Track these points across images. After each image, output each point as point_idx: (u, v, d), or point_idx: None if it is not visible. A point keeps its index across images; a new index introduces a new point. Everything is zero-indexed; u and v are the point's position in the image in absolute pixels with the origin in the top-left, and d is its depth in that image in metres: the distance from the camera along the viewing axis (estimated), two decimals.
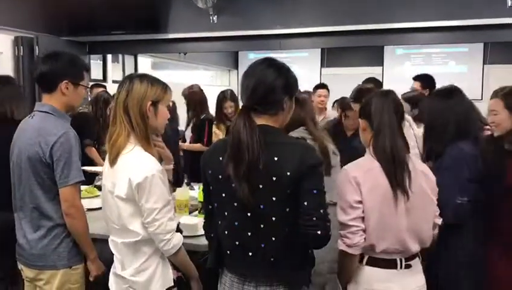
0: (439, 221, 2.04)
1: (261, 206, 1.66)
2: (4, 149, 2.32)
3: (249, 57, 8.98)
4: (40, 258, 2.17)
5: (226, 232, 1.76)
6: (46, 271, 2.17)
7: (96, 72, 6.30)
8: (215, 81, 9.56)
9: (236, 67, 9.71)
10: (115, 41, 5.59)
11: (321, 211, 1.62)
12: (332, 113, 5.15)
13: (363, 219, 1.86)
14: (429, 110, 2.58)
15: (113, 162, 1.90)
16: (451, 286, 2.30)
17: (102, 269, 2.22)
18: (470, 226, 2.33)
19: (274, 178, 1.63)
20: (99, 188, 3.12)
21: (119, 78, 6.25)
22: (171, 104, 5.16)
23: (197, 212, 3.06)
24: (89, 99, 4.79)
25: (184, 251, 1.96)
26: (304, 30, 4.95)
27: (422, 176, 1.93)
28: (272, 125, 1.71)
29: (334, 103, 5.25)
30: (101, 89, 5.07)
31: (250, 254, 1.71)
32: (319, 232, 1.60)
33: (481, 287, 2.35)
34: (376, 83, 4.56)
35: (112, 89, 5.05)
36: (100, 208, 2.28)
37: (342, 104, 4.06)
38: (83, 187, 2.26)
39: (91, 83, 5.29)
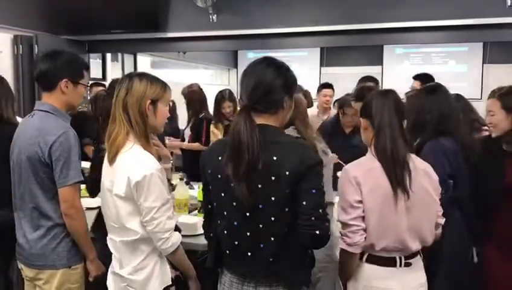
0: (442, 221, 2.04)
1: (260, 206, 1.66)
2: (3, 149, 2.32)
3: (249, 56, 8.97)
4: (40, 258, 2.17)
5: (225, 231, 1.76)
6: (46, 271, 2.17)
7: (95, 71, 6.29)
8: (215, 80, 9.55)
9: (235, 66, 9.71)
10: (114, 40, 5.57)
11: (320, 210, 1.62)
12: (334, 113, 5.15)
13: (363, 218, 1.87)
14: (411, 106, 2.58)
15: (112, 161, 1.90)
16: (438, 282, 2.29)
17: (101, 269, 2.22)
18: (451, 220, 2.32)
19: (273, 178, 1.63)
20: None
21: (119, 77, 6.23)
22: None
23: (196, 211, 3.06)
24: (88, 98, 4.78)
25: (182, 250, 1.96)
26: (303, 29, 4.94)
27: (424, 175, 1.93)
28: (271, 124, 1.71)
29: (335, 102, 5.26)
30: (100, 88, 5.06)
31: (249, 253, 1.71)
32: (317, 232, 1.60)
33: (462, 283, 2.35)
34: (373, 81, 4.57)
35: None
36: (98, 207, 2.28)
37: (340, 101, 4.06)
38: (82, 186, 2.26)
39: (90, 82, 5.28)
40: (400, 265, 1.92)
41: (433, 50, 8.56)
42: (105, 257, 2.09)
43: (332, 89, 5.21)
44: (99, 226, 2.22)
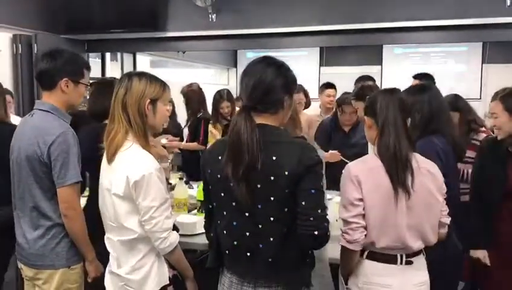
0: (448, 220, 2.03)
1: (259, 206, 1.65)
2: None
3: (248, 56, 8.96)
4: (39, 258, 2.17)
5: (225, 231, 1.76)
6: (45, 271, 2.17)
7: (94, 71, 6.25)
8: (214, 80, 9.54)
9: (235, 65, 9.70)
10: (113, 39, 5.56)
11: (319, 211, 1.61)
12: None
13: (363, 216, 1.88)
14: None
15: (110, 160, 1.90)
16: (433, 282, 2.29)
17: (100, 270, 2.22)
18: None
19: (272, 178, 1.62)
20: None
21: (118, 76, 6.22)
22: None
23: (195, 211, 3.05)
24: (87, 97, 4.77)
25: (180, 249, 1.96)
26: (303, 29, 4.94)
27: (427, 175, 1.93)
28: (271, 124, 1.71)
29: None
30: None
31: (248, 254, 1.71)
32: (316, 232, 1.60)
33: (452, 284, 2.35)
34: (370, 80, 4.57)
35: None
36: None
37: (339, 100, 4.06)
38: None
39: (90, 81, 5.28)
40: (401, 263, 1.93)
41: (432, 50, 8.56)
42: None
43: (335, 89, 5.21)
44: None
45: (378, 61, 8.69)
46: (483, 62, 8.30)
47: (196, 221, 2.67)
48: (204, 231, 2.50)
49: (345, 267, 2.02)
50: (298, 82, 1.88)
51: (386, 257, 1.93)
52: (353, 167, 1.95)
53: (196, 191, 3.28)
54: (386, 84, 7.21)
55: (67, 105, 2.25)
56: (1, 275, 2.77)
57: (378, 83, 6.94)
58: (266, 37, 5.10)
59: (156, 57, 7.53)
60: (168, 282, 1.97)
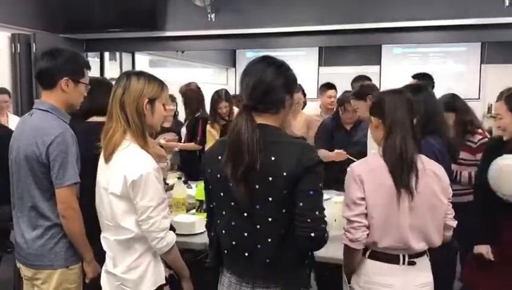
0: (454, 223, 2.01)
1: (257, 207, 1.65)
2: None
3: (247, 56, 8.96)
4: (38, 258, 2.16)
5: (224, 231, 1.76)
6: (44, 271, 2.16)
7: (93, 70, 6.25)
8: (213, 79, 9.54)
9: (234, 65, 9.70)
10: (112, 38, 5.56)
11: (316, 212, 1.60)
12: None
13: (366, 215, 1.88)
14: None
15: (108, 159, 1.89)
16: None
17: (98, 271, 2.20)
18: None
19: (270, 178, 1.62)
20: None
21: (117, 75, 6.21)
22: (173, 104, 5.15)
23: (194, 210, 3.05)
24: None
25: (177, 249, 1.96)
26: (302, 29, 4.94)
27: (432, 176, 1.92)
28: (271, 124, 1.70)
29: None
30: None
31: (247, 254, 1.71)
32: (312, 234, 1.59)
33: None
34: (367, 80, 4.57)
35: None
36: None
37: (341, 98, 4.05)
38: None
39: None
40: (403, 263, 1.92)
41: (431, 50, 8.57)
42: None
43: (336, 89, 5.21)
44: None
45: (377, 61, 8.70)
46: (482, 62, 8.32)
47: (195, 221, 2.67)
48: (202, 230, 2.52)
49: (347, 265, 2.02)
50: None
51: (388, 257, 1.93)
52: (356, 167, 1.95)
53: (195, 190, 3.27)
54: (385, 84, 7.22)
55: (67, 104, 2.23)
56: None
57: (377, 83, 6.96)
58: (265, 36, 5.10)
59: (155, 56, 7.53)
60: (164, 282, 1.96)
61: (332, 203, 2.64)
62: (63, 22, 5.33)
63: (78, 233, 2.15)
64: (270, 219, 1.65)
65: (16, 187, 2.21)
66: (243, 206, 1.66)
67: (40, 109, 2.18)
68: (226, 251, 1.78)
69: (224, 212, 1.74)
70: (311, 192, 1.61)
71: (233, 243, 1.73)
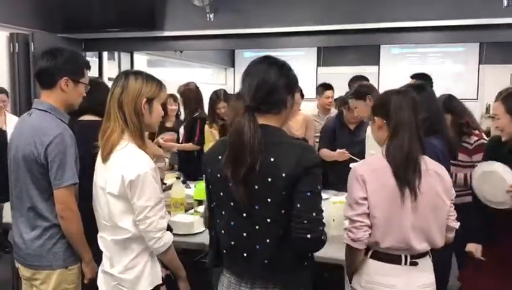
0: (456, 225, 2.01)
1: (256, 207, 1.64)
2: None
3: (245, 56, 8.97)
4: (36, 258, 2.15)
5: (223, 231, 1.75)
6: (42, 271, 2.15)
7: (92, 70, 6.27)
8: (211, 79, 9.54)
9: (232, 65, 9.70)
10: (110, 38, 5.56)
11: (313, 214, 1.59)
12: (335, 112, 5.16)
13: (368, 215, 1.88)
14: None
15: (105, 159, 1.89)
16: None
17: (96, 271, 2.20)
18: None
19: (269, 179, 1.61)
20: None
21: (115, 75, 6.21)
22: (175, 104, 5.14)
23: (192, 210, 3.05)
24: None
25: (173, 249, 1.96)
26: (301, 29, 4.95)
27: (435, 177, 1.92)
28: (273, 124, 1.69)
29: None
30: None
31: (245, 254, 1.70)
32: (308, 236, 1.57)
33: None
34: (364, 80, 4.58)
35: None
36: None
37: (345, 97, 4.05)
38: None
39: None
40: (405, 263, 1.92)
41: (429, 50, 8.58)
42: None
43: (333, 90, 5.22)
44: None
45: (376, 61, 8.71)
46: (480, 62, 8.33)
47: (193, 221, 2.67)
48: (200, 231, 2.51)
49: (349, 265, 2.02)
50: None
51: (390, 257, 1.92)
52: (359, 167, 1.95)
53: (193, 190, 3.27)
54: (383, 85, 7.22)
55: (66, 104, 2.22)
56: None
57: (375, 83, 6.96)
58: (264, 36, 5.10)
59: (154, 56, 7.53)
60: (160, 282, 1.96)
61: (330, 203, 2.63)
62: (62, 22, 5.33)
63: (76, 234, 2.14)
64: (268, 220, 1.65)
65: (14, 187, 2.20)
66: (242, 206, 1.65)
67: (38, 109, 2.17)
68: (225, 251, 1.78)
69: (223, 212, 1.74)
70: (308, 193, 1.60)
71: (232, 243, 1.73)
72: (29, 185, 2.13)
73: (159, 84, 1.96)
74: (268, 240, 1.66)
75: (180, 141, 4.79)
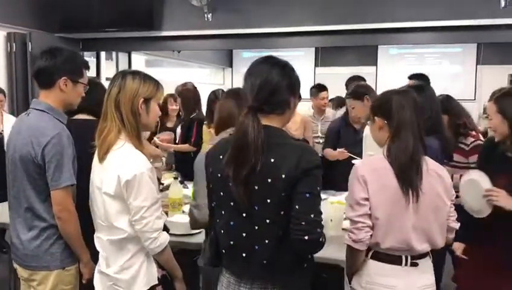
0: (457, 225, 2.01)
1: (256, 208, 1.64)
2: None
3: (244, 56, 8.98)
4: (33, 259, 2.14)
5: (222, 231, 1.75)
6: (40, 272, 2.14)
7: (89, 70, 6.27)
8: (209, 79, 9.54)
9: (230, 65, 9.71)
10: (108, 38, 5.56)
11: (312, 215, 1.58)
12: (331, 113, 5.17)
13: (369, 215, 1.87)
14: None
15: (102, 159, 1.88)
16: None
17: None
18: None
19: (269, 180, 1.60)
20: None
21: (113, 75, 6.20)
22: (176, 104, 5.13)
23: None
24: None
25: (170, 249, 1.95)
26: (299, 29, 4.95)
27: (436, 177, 1.91)
28: (275, 125, 1.68)
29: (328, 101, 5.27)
30: None
31: (244, 254, 1.70)
32: (306, 237, 1.57)
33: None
34: (361, 80, 4.59)
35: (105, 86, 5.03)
36: None
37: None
38: None
39: None
40: (406, 264, 1.91)
41: (427, 51, 8.60)
42: None
43: (327, 91, 5.23)
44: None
45: (373, 61, 8.73)
46: (477, 63, 8.36)
47: None
48: (197, 231, 2.50)
49: (350, 266, 2.00)
50: None
51: (390, 258, 1.91)
52: (360, 167, 1.93)
53: (191, 191, 3.26)
54: (381, 85, 7.23)
55: (65, 104, 2.21)
56: None
57: (373, 83, 6.97)
58: (262, 37, 5.11)
59: (151, 56, 7.53)
60: (156, 282, 1.95)
61: (328, 204, 2.63)
62: (59, 21, 5.32)
63: (74, 235, 2.13)
64: (267, 221, 1.64)
65: (12, 187, 2.19)
66: (242, 206, 1.65)
67: (36, 109, 2.16)
68: (224, 251, 1.78)
69: (223, 212, 1.74)
70: (307, 194, 1.59)
71: (232, 243, 1.73)
72: (27, 186, 2.11)
73: (156, 84, 1.95)
74: (267, 241, 1.66)
75: (177, 141, 4.78)
